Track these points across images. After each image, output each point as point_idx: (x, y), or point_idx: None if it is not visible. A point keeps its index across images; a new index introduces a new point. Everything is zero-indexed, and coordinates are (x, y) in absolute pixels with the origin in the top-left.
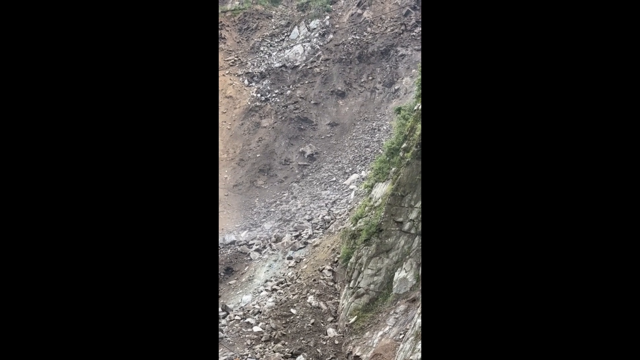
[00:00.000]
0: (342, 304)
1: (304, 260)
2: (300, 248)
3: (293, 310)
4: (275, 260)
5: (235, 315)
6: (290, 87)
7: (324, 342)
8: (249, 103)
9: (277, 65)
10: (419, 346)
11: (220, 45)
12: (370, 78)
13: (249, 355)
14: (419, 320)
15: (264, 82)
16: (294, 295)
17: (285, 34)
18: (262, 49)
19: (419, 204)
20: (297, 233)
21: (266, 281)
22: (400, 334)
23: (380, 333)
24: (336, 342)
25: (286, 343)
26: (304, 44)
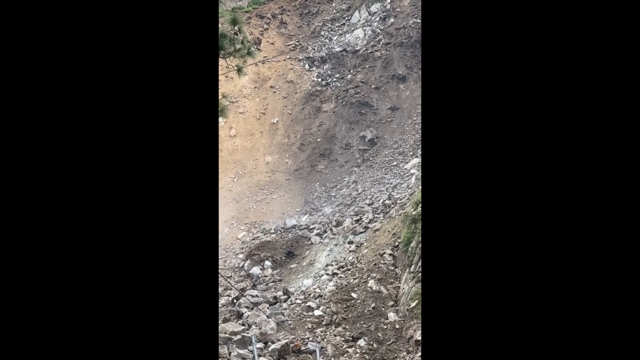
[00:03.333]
0: (403, 289)
1: (365, 244)
2: (361, 232)
3: (354, 295)
4: (336, 245)
5: (296, 299)
6: (351, 71)
7: (385, 327)
8: (310, 88)
9: (338, 49)
10: None
11: (282, 30)
12: None
13: (310, 339)
14: None
15: (325, 67)
16: (354, 279)
17: (346, 18)
18: (322, 33)
19: None
20: (358, 217)
21: (327, 265)
22: None
23: None
24: (397, 326)
25: (347, 327)
26: (364, 28)
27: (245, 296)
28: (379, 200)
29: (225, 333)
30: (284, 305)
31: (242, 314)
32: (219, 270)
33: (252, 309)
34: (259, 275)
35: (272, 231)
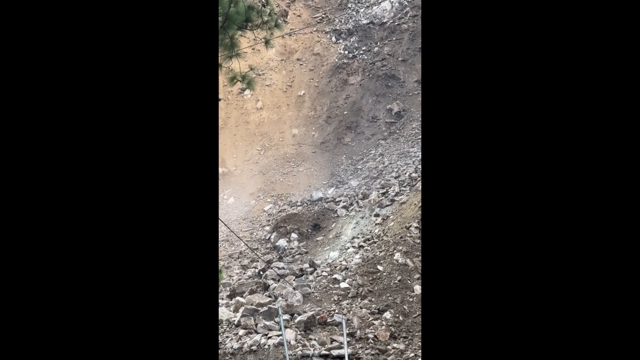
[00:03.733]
0: None
1: (391, 217)
2: (387, 205)
3: (380, 267)
4: (362, 217)
5: (322, 271)
6: (378, 44)
7: (411, 299)
8: (337, 60)
9: (365, 22)
10: None
11: (308, 2)
12: None
13: (336, 311)
14: None
15: (352, 39)
16: (380, 252)
17: None
18: (349, 5)
19: None
20: (384, 190)
21: (353, 238)
22: None
23: None
24: None
25: (373, 299)
26: (391, 0)
27: (271, 268)
28: (405, 173)
29: (251, 305)
30: (310, 277)
31: (269, 285)
32: (247, 242)
33: (279, 281)
34: (285, 248)
35: (299, 204)
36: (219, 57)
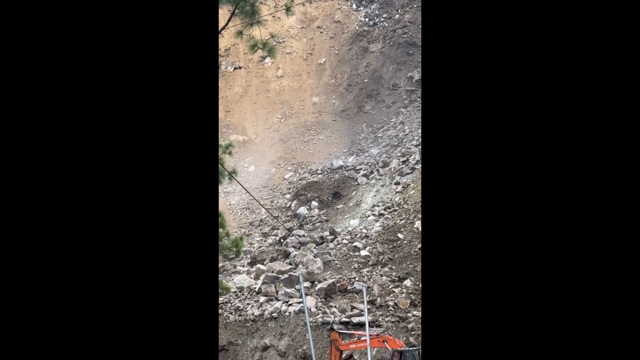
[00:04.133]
0: None
1: (411, 185)
2: (408, 173)
3: (400, 235)
4: (382, 185)
5: (342, 239)
6: (399, 11)
7: None
8: (357, 28)
9: None
10: None
11: None
12: None
13: (357, 279)
14: None
15: (372, 7)
16: (401, 220)
17: None
18: None
19: None
20: (405, 158)
21: (373, 206)
22: None
23: None
24: None
25: (393, 267)
26: None
27: (292, 236)
28: None
29: (272, 272)
30: (331, 245)
31: (289, 253)
32: (268, 210)
33: (299, 248)
34: (306, 215)
35: (319, 172)
36: (240, 25)
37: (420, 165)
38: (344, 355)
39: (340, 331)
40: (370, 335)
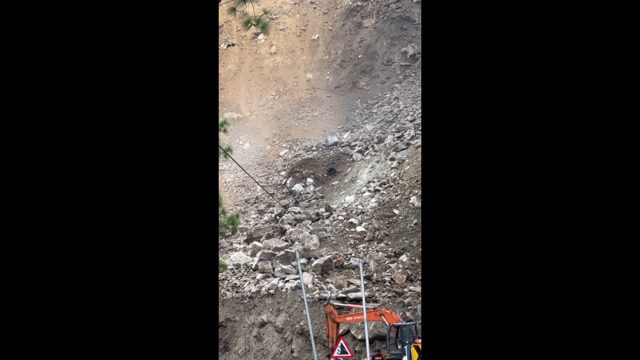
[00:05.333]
0: None
1: (407, 161)
2: (403, 149)
3: (396, 211)
4: (377, 162)
5: (338, 215)
6: None
7: None
8: (351, 3)
9: None
10: None
11: None
12: None
13: (353, 255)
14: None
15: None
16: (396, 195)
17: None
18: None
19: None
20: (400, 134)
21: (369, 182)
22: None
23: None
24: None
25: (389, 243)
26: None
27: (288, 212)
28: (420, 117)
29: (269, 249)
30: (327, 221)
31: (285, 230)
32: (263, 187)
33: (295, 225)
34: (301, 192)
35: (314, 148)
36: (233, 1)
37: (415, 141)
38: (340, 330)
39: (335, 304)
40: (367, 308)
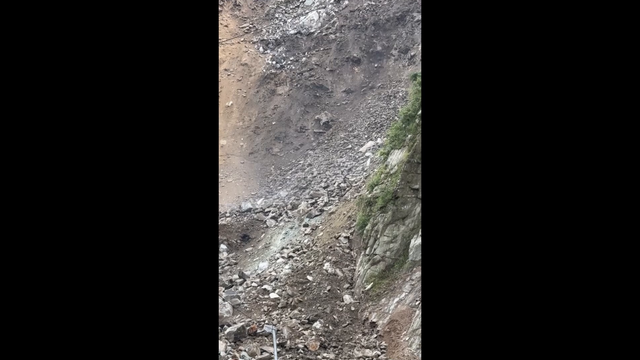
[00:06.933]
0: (358, 271)
1: (320, 227)
2: (316, 215)
3: (309, 277)
4: (291, 228)
5: (252, 282)
6: (306, 54)
7: (340, 309)
8: (264, 70)
9: (292, 32)
10: None
11: (235, 12)
12: (386, 44)
13: (266, 322)
14: None
15: (279, 50)
16: (310, 262)
17: (300, 0)
18: (277, 15)
19: None
20: (313, 200)
21: (282, 248)
22: (416, 301)
23: (396, 300)
24: (352, 308)
25: (303, 309)
26: (319, 11)
27: None
28: (334, 184)
29: None
30: (240, 288)
31: None
32: None
33: None
34: None
35: (228, 214)
36: None
37: (329, 207)
38: None
39: None
40: None
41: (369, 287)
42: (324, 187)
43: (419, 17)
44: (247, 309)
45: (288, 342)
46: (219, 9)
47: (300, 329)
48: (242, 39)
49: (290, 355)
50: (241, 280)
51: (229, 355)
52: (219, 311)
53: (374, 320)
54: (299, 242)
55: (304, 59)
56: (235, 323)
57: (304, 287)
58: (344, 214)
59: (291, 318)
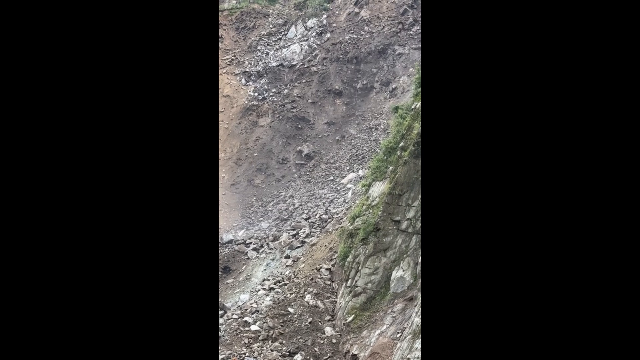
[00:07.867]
0: (340, 303)
1: (302, 259)
2: (298, 247)
3: (291, 309)
4: (272, 259)
5: (232, 314)
6: (288, 86)
7: (322, 341)
8: (246, 102)
9: (275, 64)
10: (417, 345)
11: (218, 44)
12: (367, 77)
13: (247, 354)
14: (417, 319)
15: (261, 81)
16: (291, 294)
17: (283, 33)
18: (259, 48)
19: (416, 203)
20: (295, 232)
21: (264, 280)
22: (398, 333)
23: (378, 332)
24: (334, 340)
25: (284, 342)
26: (301, 43)
27: None
28: (315, 215)
29: None
30: (221, 320)
31: None
32: None
33: None
34: None
35: None
36: None
37: (310, 239)
38: None
39: None
40: None
41: (350, 319)
42: (306, 219)
43: (400, 50)
44: (228, 341)
45: None
46: None
47: None
48: (224, 71)
49: None
50: (222, 312)
51: None
52: None
53: (355, 352)
54: (280, 274)
55: (286, 90)
56: None
57: (285, 319)
58: (325, 245)
59: (272, 350)
